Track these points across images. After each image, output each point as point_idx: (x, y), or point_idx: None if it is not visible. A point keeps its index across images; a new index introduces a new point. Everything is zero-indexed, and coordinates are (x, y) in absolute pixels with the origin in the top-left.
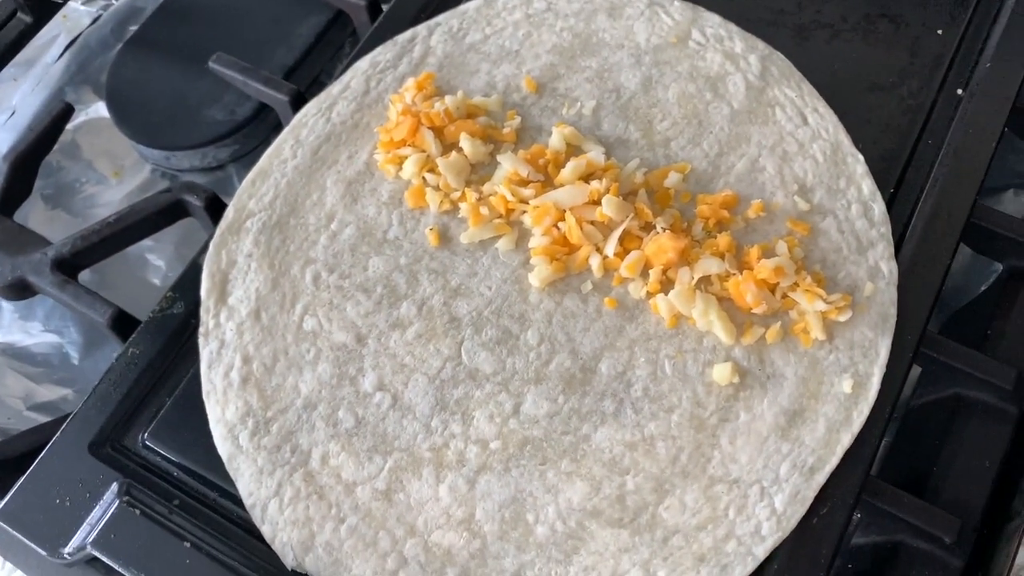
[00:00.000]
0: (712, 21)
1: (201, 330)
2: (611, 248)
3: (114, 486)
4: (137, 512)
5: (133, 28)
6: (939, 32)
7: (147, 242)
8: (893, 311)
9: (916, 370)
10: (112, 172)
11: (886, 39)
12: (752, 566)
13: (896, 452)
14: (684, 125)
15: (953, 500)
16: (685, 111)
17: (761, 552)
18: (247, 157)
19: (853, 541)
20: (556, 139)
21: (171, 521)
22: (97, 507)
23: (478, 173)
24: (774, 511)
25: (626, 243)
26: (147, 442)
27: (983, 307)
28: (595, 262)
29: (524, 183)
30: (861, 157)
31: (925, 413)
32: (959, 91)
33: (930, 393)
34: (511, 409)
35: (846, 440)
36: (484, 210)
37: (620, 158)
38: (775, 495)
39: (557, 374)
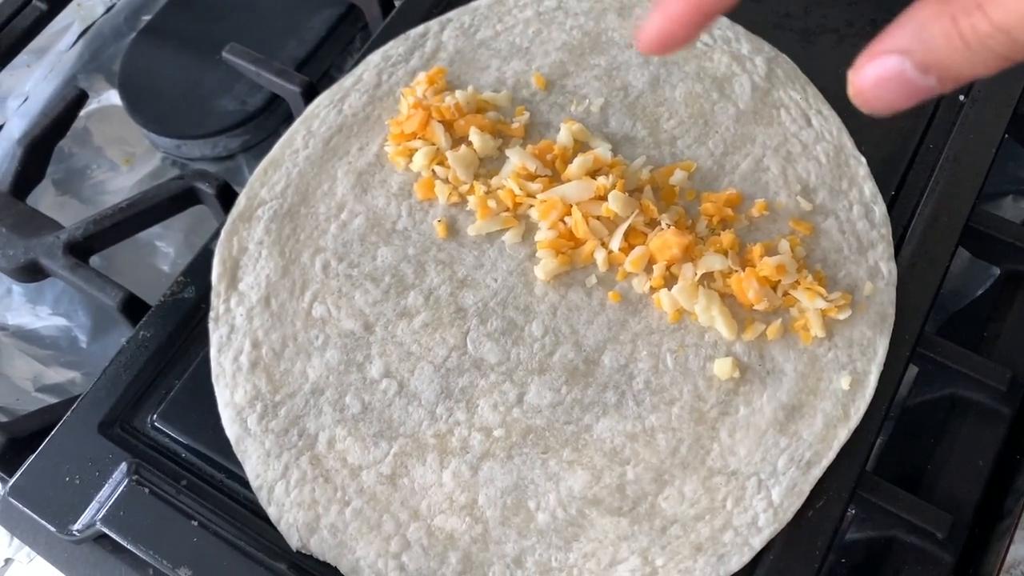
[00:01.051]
0: (720, 23)
1: (212, 315)
2: (616, 243)
3: (123, 465)
4: (146, 491)
5: (146, 17)
6: None
7: (156, 229)
8: (892, 311)
9: (913, 370)
10: (123, 160)
11: None
12: (748, 556)
13: (892, 449)
14: (690, 124)
15: (946, 497)
16: (692, 110)
17: (758, 543)
18: (257, 147)
19: (847, 536)
20: (564, 135)
21: (179, 500)
22: (106, 485)
23: (486, 167)
24: (771, 503)
25: (631, 239)
26: (156, 423)
27: (980, 310)
28: (600, 256)
29: (532, 177)
30: (864, 159)
31: (921, 412)
32: (961, 97)
33: (926, 392)
34: (515, 398)
35: (843, 436)
36: (492, 203)
37: (627, 155)
38: (772, 488)
39: (560, 365)
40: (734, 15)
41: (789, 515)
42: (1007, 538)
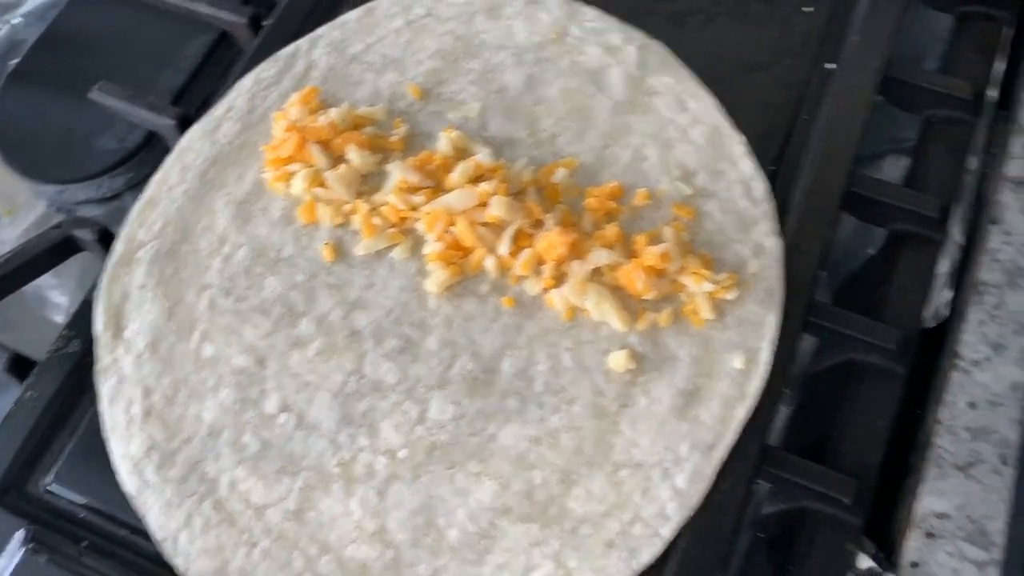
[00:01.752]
0: (589, 15)
1: (99, 366)
2: (504, 248)
3: (19, 534)
4: (44, 559)
5: (14, 62)
6: (809, 9)
7: (48, 279)
8: (779, 285)
9: (813, 340)
10: (4, 211)
11: (759, 19)
12: (660, 546)
13: (799, 420)
14: (569, 120)
15: (851, 462)
16: (569, 107)
17: (667, 532)
18: (143, 184)
19: (764, 510)
20: (444, 144)
21: (81, 564)
22: (2, 558)
23: (368, 184)
24: (677, 491)
25: (519, 242)
26: (52, 485)
27: (873, 272)
28: (490, 263)
29: (415, 190)
30: (741, 138)
31: (823, 380)
32: (831, 65)
33: (825, 360)
34: (417, 416)
35: (741, 415)
36: (377, 220)
37: (508, 158)
38: (677, 475)
39: (460, 377)
40: (606, 5)
41: (696, 500)
42: (913, 493)
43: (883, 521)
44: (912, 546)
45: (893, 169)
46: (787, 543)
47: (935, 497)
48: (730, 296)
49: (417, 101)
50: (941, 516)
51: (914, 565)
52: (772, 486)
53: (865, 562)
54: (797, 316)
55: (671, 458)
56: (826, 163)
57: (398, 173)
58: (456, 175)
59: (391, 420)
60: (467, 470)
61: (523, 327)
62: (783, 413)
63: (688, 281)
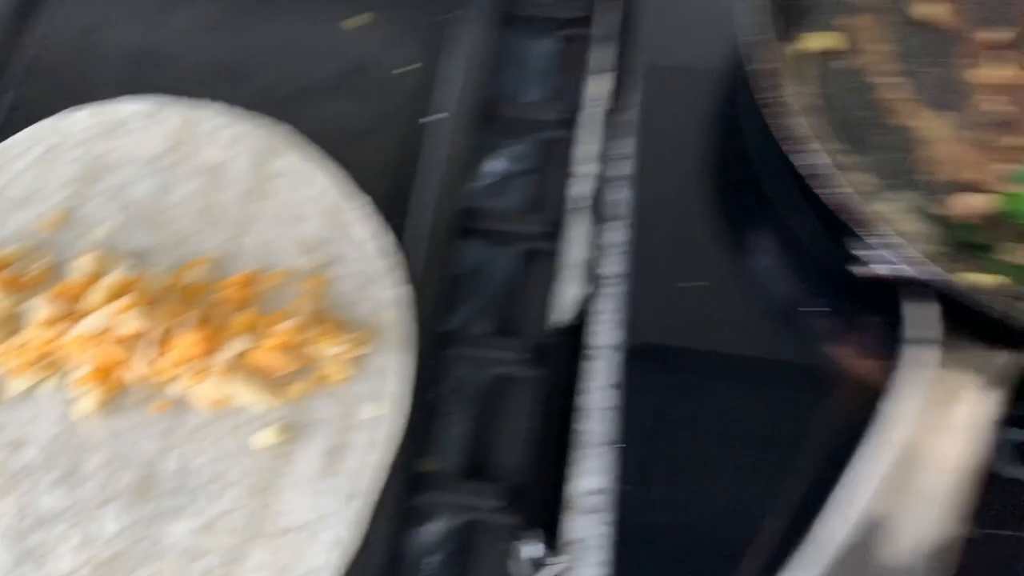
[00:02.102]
0: (209, 113)
1: None
2: (148, 357)
3: None
4: None
5: None
6: (409, 68)
7: None
8: (408, 330)
9: (462, 367)
10: None
11: (364, 89)
12: None
13: (465, 440)
14: (200, 220)
15: (509, 466)
16: (199, 206)
17: None
18: None
19: (442, 530)
20: (83, 267)
21: None
22: None
23: (13, 324)
24: (334, 542)
25: (163, 347)
26: None
27: (512, 289)
28: (137, 374)
29: (59, 319)
30: (362, 201)
31: (480, 398)
32: (441, 115)
33: (473, 381)
34: (89, 536)
35: (377, 458)
36: (24, 358)
37: (149, 267)
38: (332, 528)
39: (124, 489)
40: (226, 97)
41: (354, 547)
42: (568, 478)
43: (549, 512)
44: (574, 525)
45: (519, 193)
46: (468, 554)
47: (588, 477)
48: (363, 351)
49: (55, 231)
50: (595, 493)
51: (576, 542)
52: (439, 509)
53: (533, 551)
54: (432, 352)
55: (324, 514)
56: (444, 206)
57: (40, 307)
58: (95, 296)
59: (65, 546)
60: (143, 574)
61: (177, 427)
62: (456, 435)
63: (322, 348)
